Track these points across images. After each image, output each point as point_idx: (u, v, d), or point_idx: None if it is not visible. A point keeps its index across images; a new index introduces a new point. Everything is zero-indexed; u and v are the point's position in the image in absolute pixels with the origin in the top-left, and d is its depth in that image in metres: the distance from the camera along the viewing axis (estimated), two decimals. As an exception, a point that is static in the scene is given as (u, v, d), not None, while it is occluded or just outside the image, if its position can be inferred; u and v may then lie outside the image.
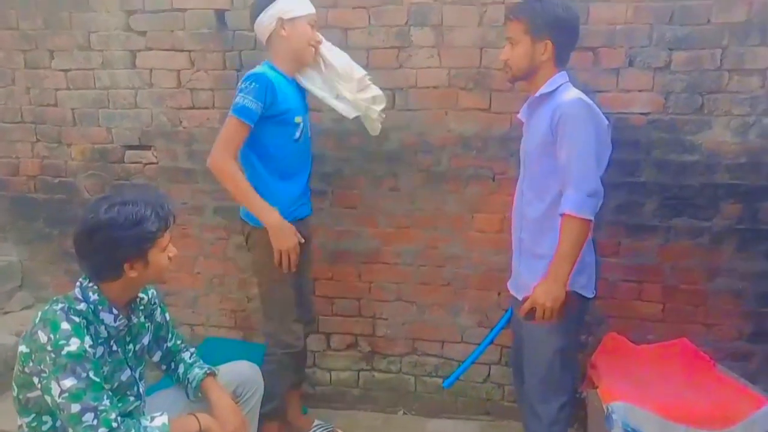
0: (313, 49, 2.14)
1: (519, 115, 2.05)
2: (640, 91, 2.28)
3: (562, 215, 1.78)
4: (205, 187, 2.70)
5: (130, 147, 2.74)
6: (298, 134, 2.14)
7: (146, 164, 2.75)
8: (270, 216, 2.07)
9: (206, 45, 2.57)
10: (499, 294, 2.55)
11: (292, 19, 2.07)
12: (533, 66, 1.87)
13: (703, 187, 2.31)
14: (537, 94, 1.89)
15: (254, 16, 2.12)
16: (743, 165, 2.27)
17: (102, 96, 2.71)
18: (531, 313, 1.85)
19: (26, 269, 2.99)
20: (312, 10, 2.12)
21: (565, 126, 1.77)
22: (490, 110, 2.41)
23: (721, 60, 2.21)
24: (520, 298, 1.98)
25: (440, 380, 2.71)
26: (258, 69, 2.08)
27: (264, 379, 2.04)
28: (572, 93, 1.83)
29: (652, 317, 2.45)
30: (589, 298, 1.96)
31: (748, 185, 2.28)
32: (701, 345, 2.26)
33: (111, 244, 1.53)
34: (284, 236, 2.09)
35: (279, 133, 2.10)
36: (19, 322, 2.80)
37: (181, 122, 2.67)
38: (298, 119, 2.13)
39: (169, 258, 1.66)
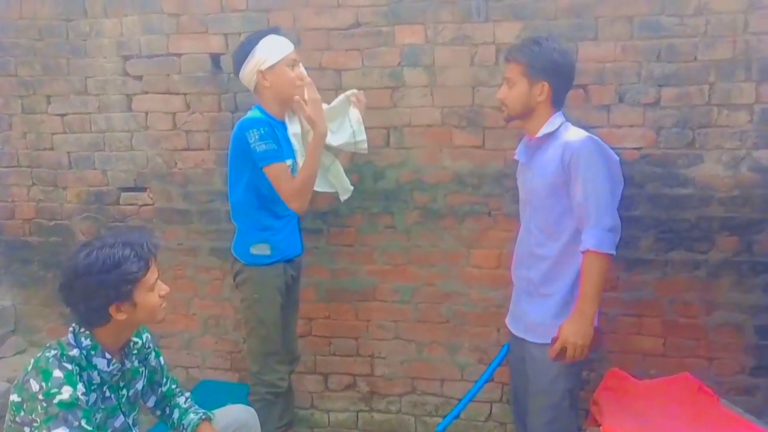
0: (299, 91, 2.15)
1: (516, 156, 2.07)
2: (631, 126, 2.31)
3: (584, 253, 1.80)
4: (200, 228, 2.70)
5: (126, 189, 2.75)
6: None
7: (142, 206, 2.75)
8: (320, 137, 2.05)
9: (201, 88, 2.60)
10: (498, 330, 2.53)
11: (271, 68, 2.09)
12: (529, 106, 1.91)
13: (698, 220, 2.32)
14: (540, 134, 1.91)
15: (236, 71, 2.16)
16: (736, 198, 2.29)
17: (98, 139, 2.73)
18: (561, 354, 1.84)
19: (20, 313, 2.95)
20: (289, 49, 2.13)
21: (578, 165, 1.80)
22: (484, 147, 2.44)
23: (709, 96, 2.25)
24: (529, 339, 1.98)
25: (441, 420, 2.66)
26: (252, 115, 2.11)
27: None
28: (579, 132, 1.87)
29: (653, 352, 2.43)
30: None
31: (742, 218, 2.29)
32: (704, 379, 2.23)
33: (93, 290, 1.51)
34: (323, 121, 2.07)
35: None
36: (12, 367, 2.75)
37: (176, 164, 2.69)
38: (288, 162, 2.15)
39: (161, 296, 1.63)
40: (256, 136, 2.03)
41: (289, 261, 2.24)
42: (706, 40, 2.22)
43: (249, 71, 2.12)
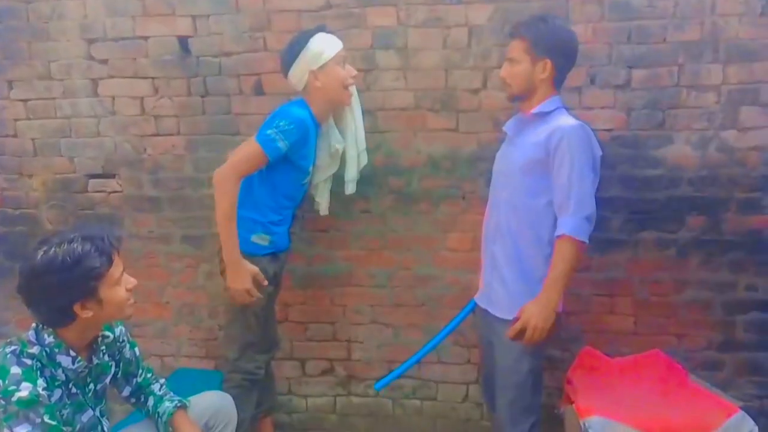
0: (349, 91, 2.15)
1: (504, 127, 2.06)
2: (602, 108, 2.33)
3: (558, 238, 1.81)
4: (172, 215, 2.66)
5: (94, 176, 2.68)
6: (305, 180, 2.21)
7: (110, 193, 2.69)
8: (232, 252, 2.05)
9: (170, 72, 2.54)
10: (473, 313, 2.54)
11: (322, 67, 2.07)
12: (532, 84, 1.91)
13: (668, 200, 2.36)
14: (533, 111, 1.91)
15: (285, 70, 2.12)
16: (704, 178, 2.33)
17: (63, 125, 2.65)
18: (520, 334, 1.86)
19: (-14, 306, 2.88)
20: (339, 46, 2.11)
21: (566, 149, 1.80)
22: (457, 131, 2.43)
23: (678, 77, 2.28)
24: (492, 312, 2.00)
25: (418, 402, 2.70)
26: (298, 111, 2.06)
27: None
28: (572, 119, 1.88)
29: (624, 330, 2.48)
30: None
31: (710, 197, 2.34)
32: (674, 356, 2.29)
33: (54, 290, 1.44)
34: (239, 276, 2.06)
35: (292, 176, 2.13)
36: (-21, 361, 2.68)
37: (145, 150, 2.63)
38: (311, 168, 2.18)
39: (128, 290, 1.59)
40: (285, 127, 1.99)
41: (276, 254, 2.23)
42: (674, 22, 2.24)
43: (300, 71, 2.08)
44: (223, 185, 2.04)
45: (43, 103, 2.65)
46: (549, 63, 1.87)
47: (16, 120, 2.68)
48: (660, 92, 2.30)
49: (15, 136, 2.70)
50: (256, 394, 2.29)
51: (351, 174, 2.33)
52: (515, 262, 1.93)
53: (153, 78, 2.56)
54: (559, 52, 1.88)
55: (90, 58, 2.58)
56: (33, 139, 2.69)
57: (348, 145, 2.27)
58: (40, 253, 1.46)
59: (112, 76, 2.58)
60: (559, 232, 1.82)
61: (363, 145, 2.33)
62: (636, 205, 2.38)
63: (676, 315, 2.44)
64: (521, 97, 1.96)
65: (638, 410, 2.00)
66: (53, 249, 1.46)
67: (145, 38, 2.53)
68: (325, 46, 2.08)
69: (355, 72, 2.17)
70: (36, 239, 2.69)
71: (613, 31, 2.27)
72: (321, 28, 2.14)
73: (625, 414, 1.95)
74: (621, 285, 2.45)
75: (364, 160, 2.36)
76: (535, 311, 1.83)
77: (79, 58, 2.58)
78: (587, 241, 1.83)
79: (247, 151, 2.04)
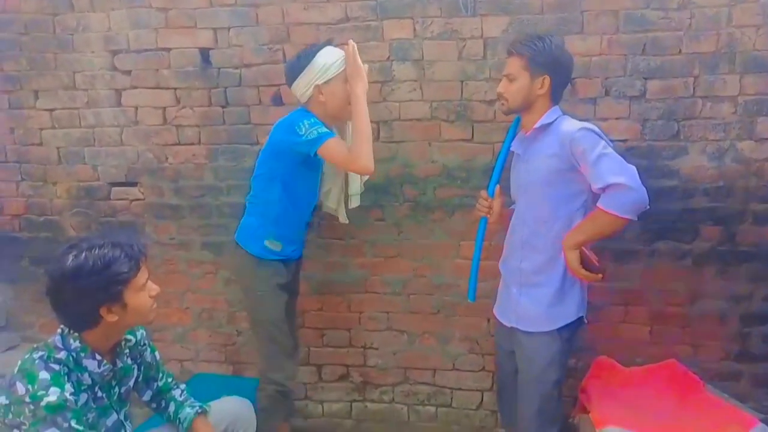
0: (351, 107, 2.17)
1: (512, 148, 2.10)
2: (617, 119, 2.34)
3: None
4: (192, 222, 2.71)
5: (116, 184, 2.74)
6: (320, 176, 2.27)
7: (132, 201, 2.75)
8: (359, 86, 2.09)
9: (191, 83, 2.59)
10: (488, 320, 2.57)
11: (327, 82, 2.10)
12: (530, 100, 1.94)
13: (683, 211, 2.36)
14: (537, 125, 1.95)
15: (290, 81, 2.16)
16: (720, 189, 2.33)
17: (87, 134, 2.72)
18: None
19: (11, 309, 2.94)
20: (344, 64, 2.13)
21: (579, 145, 1.82)
22: (472, 141, 2.46)
23: (693, 88, 2.28)
24: (521, 328, 2.02)
25: (433, 409, 2.72)
26: (304, 111, 2.12)
27: (257, 415, 2.04)
28: (575, 122, 1.91)
29: (639, 340, 2.48)
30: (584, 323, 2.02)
31: (726, 208, 2.34)
32: (689, 366, 2.29)
33: (82, 292, 1.49)
34: (361, 81, 2.09)
35: (308, 176, 2.18)
36: (4, 363, 2.74)
37: (167, 158, 2.68)
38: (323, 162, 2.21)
39: (151, 296, 1.63)
40: (307, 125, 2.03)
41: (288, 263, 2.27)
42: (690, 34, 2.25)
43: (304, 84, 2.12)
44: (369, 161, 2.06)
45: (68, 113, 2.72)
46: (548, 79, 1.91)
47: (41, 129, 2.76)
48: (675, 103, 2.30)
49: (40, 144, 2.77)
50: (287, 406, 2.31)
51: (354, 188, 2.37)
52: (549, 272, 1.95)
53: (175, 89, 2.61)
54: (557, 69, 1.92)
55: (114, 69, 2.64)
56: (58, 148, 2.76)
57: None
58: (71, 257, 1.50)
59: (135, 87, 2.64)
60: (598, 204, 1.83)
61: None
62: (651, 215, 2.34)
63: (691, 325, 2.44)
64: (517, 112, 2.00)
65: (654, 420, 2.00)
66: (84, 253, 1.51)
67: (168, 50, 2.58)
68: (331, 63, 2.10)
69: None
70: (60, 245, 2.78)
71: (628, 42, 2.28)
72: (328, 43, 2.17)
73: (641, 425, 1.96)
74: (636, 294, 2.45)
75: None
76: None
77: (103, 69, 2.65)
78: (622, 214, 1.80)
79: (335, 151, 2.04)
